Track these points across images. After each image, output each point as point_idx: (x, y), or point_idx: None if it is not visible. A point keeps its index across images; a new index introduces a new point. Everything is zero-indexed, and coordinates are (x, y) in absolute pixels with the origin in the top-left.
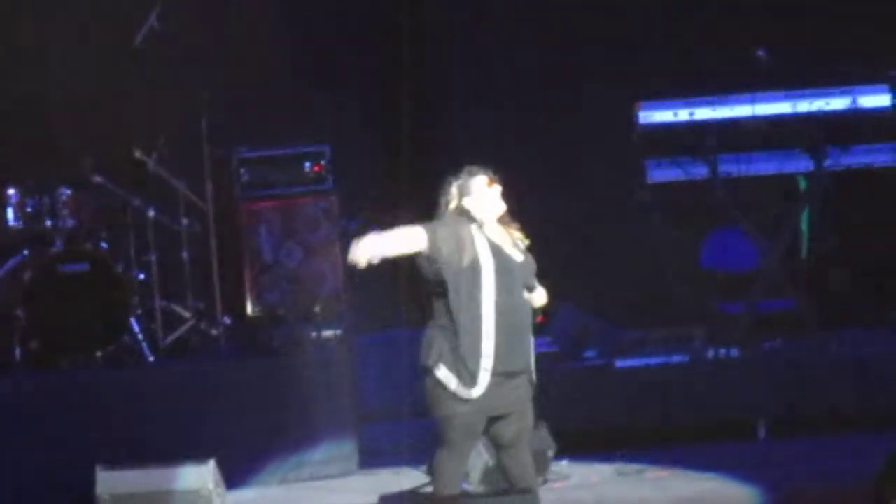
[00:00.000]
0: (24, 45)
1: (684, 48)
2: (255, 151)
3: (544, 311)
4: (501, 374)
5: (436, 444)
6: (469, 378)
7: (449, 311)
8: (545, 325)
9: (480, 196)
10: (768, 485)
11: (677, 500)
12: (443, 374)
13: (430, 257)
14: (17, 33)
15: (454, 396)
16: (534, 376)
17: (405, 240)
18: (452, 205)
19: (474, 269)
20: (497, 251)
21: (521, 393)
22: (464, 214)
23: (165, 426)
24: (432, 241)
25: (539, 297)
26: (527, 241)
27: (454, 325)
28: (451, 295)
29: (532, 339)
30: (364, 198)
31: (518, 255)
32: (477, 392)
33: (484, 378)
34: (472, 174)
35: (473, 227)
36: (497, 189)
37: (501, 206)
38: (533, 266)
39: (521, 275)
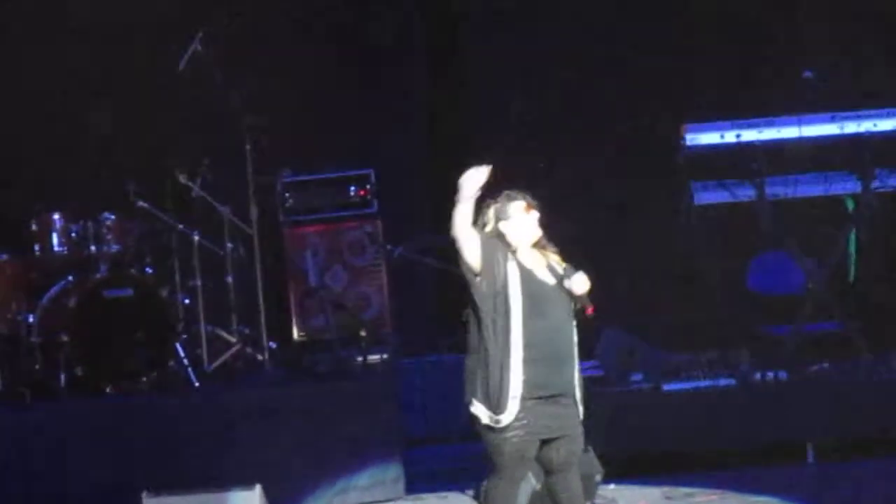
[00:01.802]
0: (68, 71)
1: (731, 70)
2: (299, 176)
3: (593, 305)
4: (539, 399)
5: (487, 471)
6: (497, 406)
7: (482, 340)
8: (591, 348)
9: (517, 221)
10: None
11: None
12: (476, 408)
13: (472, 265)
14: (63, 59)
15: (489, 427)
16: (581, 398)
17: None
18: (489, 228)
19: (504, 295)
20: (528, 277)
21: (569, 415)
22: (499, 238)
23: (211, 452)
24: (480, 246)
25: (578, 284)
26: (564, 265)
27: (486, 355)
28: (485, 323)
29: (576, 361)
30: (409, 222)
31: (551, 279)
32: (506, 419)
33: (513, 405)
34: (510, 199)
35: (507, 252)
36: (534, 215)
37: (537, 232)
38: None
39: (556, 298)
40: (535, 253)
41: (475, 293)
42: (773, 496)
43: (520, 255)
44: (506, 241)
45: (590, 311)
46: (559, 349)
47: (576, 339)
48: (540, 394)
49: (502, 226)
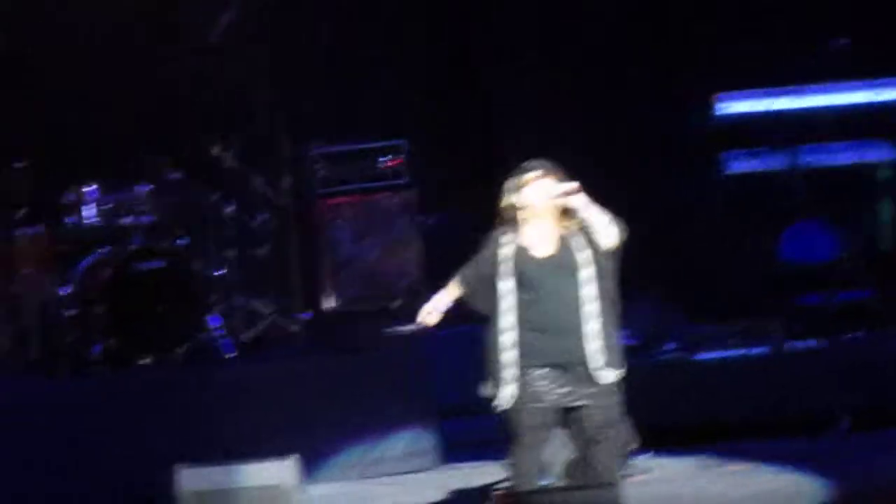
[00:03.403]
0: (102, 42)
1: (763, 38)
2: (332, 147)
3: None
4: (542, 368)
5: (508, 441)
6: (500, 383)
7: (489, 322)
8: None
9: (528, 191)
10: (850, 478)
11: (758, 494)
12: (485, 389)
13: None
14: (96, 32)
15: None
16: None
17: (452, 292)
18: (505, 202)
19: (496, 279)
20: (523, 254)
21: (578, 385)
22: (513, 212)
23: (245, 423)
24: (465, 285)
25: (603, 234)
26: (573, 225)
27: (487, 335)
28: (484, 308)
29: (584, 330)
30: (441, 192)
31: (552, 250)
32: (503, 397)
33: (511, 382)
34: (524, 170)
35: (505, 237)
36: (547, 183)
37: (547, 201)
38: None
39: (560, 270)
40: (553, 223)
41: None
42: (805, 466)
43: (526, 231)
44: (515, 217)
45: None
46: (555, 320)
47: (587, 308)
48: (538, 363)
49: (515, 198)
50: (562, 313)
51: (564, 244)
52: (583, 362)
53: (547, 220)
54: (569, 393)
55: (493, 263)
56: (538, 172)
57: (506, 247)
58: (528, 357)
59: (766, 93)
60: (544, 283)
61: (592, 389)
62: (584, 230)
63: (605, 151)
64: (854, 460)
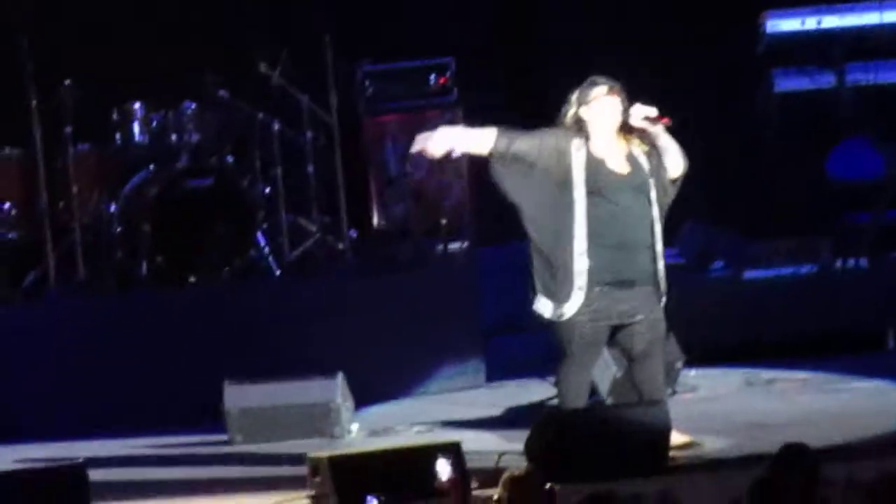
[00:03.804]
0: None
1: None
2: (379, 65)
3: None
4: (607, 285)
5: (558, 358)
6: (560, 298)
7: (535, 231)
8: (672, 237)
9: (597, 106)
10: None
11: (806, 411)
12: (539, 304)
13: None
14: None
15: (555, 319)
16: (662, 286)
17: (476, 139)
18: (570, 113)
19: (564, 186)
20: (596, 166)
21: (644, 301)
22: (579, 124)
23: (292, 341)
24: (504, 146)
25: (639, 112)
26: (645, 147)
27: (548, 247)
28: (529, 214)
29: (656, 249)
30: (489, 110)
31: (626, 167)
32: (569, 310)
33: (577, 296)
34: (593, 84)
35: (575, 142)
36: (616, 100)
37: (619, 118)
38: (657, 172)
39: (629, 186)
40: (618, 140)
41: (530, 184)
42: (854, 383)
43: (595, 143)
44: (583, 128)
45: (664, 120)
46: (629, 236)
47: (656, 227)
48: (607, 279)
49: (583, 111)
50: (635, 231)
51: (636, 163)
52: (651, 280)
53: (614, 137)
54: (629, 310)
55: (562, 164)
56: (610, 88)
57: (578, 153)
58: (599, 272)
59: (815, 10)
60: (620, 198)
61: (650, 307)
62: (652, 153)
63: (654, 72)
64: None
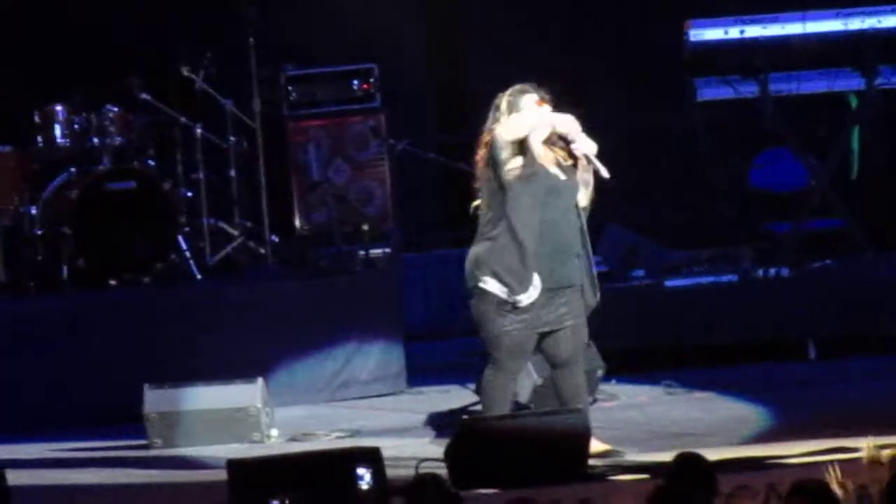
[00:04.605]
0: None
1: None
2: (302, 69)
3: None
4: (547, 291)
5: (484, 363)
6: (519, 285)
7: (507, 220)
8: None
9: (534, 115)
10: (818, 405)
11: (725, 420)
12: (491, 286)
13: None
14: None
15: (503, 310)
16: (596, 294)
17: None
18: (502, 119)
19: (531, 182)
20: (544, 170)
21: (570, 308)
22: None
23: (213, 345)
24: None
25: (586, 146)
26: (570, 161)
27: (511, 235)
28: (512, 203)
29: (585, 257)
30: (412, 116)
31: (562, 175)
32: (525, 300)
33: (534, 291)
34: (522, 92)
35: (517, 146)
36: (546, 109)
37: (548, 128)
38: (578, 185)
39: (566, 194)
40: (546, 149)
41: (505, 177)
42: (773, 393)
43: (535, 151)
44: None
45: (607, 175)
46: (565, 241)
47: (585, 233)
48: (547, 286)
49: (515, 118)
50: (568, 236)
51: (567, 170)
52: (578, 284)
53: (545, 145)
54: (559, 316)
55: (522, 169)
56: (540, 98)
57: (527, 158)
58: (542, 279)
59: (737, 20)
60: (560, 205)
61: (577, 313)
62: (573, 167)
63: (577, 77)
64: (822, 386)
